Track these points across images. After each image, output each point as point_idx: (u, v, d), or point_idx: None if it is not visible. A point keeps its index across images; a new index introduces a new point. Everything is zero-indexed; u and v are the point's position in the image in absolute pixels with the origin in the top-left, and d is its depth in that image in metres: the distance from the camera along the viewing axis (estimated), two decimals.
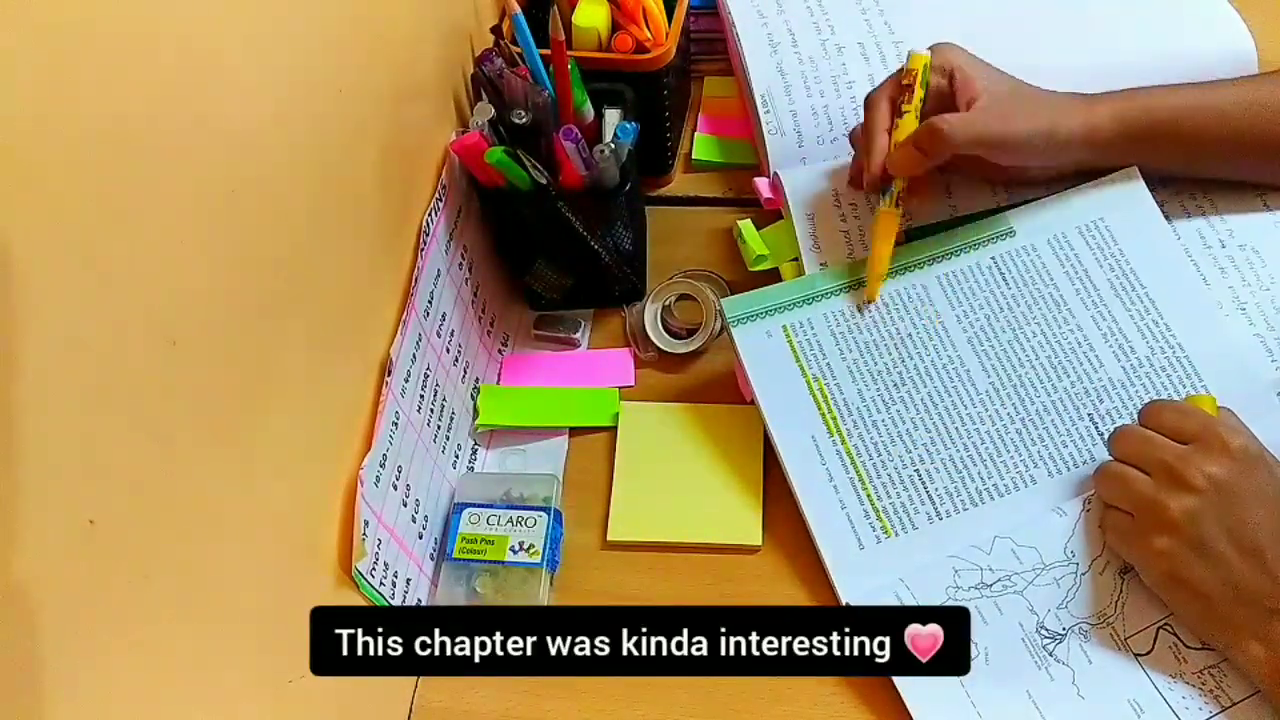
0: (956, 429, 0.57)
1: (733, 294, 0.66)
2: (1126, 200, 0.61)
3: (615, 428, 0.62)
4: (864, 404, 0.58)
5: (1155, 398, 0.56)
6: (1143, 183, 0.61)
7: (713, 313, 0.65)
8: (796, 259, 0.64)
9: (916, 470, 0.56)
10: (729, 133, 0.76)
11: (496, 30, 0.65)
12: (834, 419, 0.58)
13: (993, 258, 0.61)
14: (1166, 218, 0.61)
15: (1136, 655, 0.49)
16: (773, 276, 0.65)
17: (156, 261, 0.34)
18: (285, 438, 0.43)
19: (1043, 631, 0.50)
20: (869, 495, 0.56)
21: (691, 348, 0.65)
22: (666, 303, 0.67)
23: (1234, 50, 0.69)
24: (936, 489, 0.55)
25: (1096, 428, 0.56)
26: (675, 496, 0.59)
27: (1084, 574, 0.51)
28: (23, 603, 0.28)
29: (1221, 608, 0.46)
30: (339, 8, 0.47)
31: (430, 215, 0.57)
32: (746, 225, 0.66)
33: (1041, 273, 0.60)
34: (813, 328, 0.60)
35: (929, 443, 0.57)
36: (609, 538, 0.58)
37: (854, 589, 0.53)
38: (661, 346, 0.65)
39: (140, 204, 0.33)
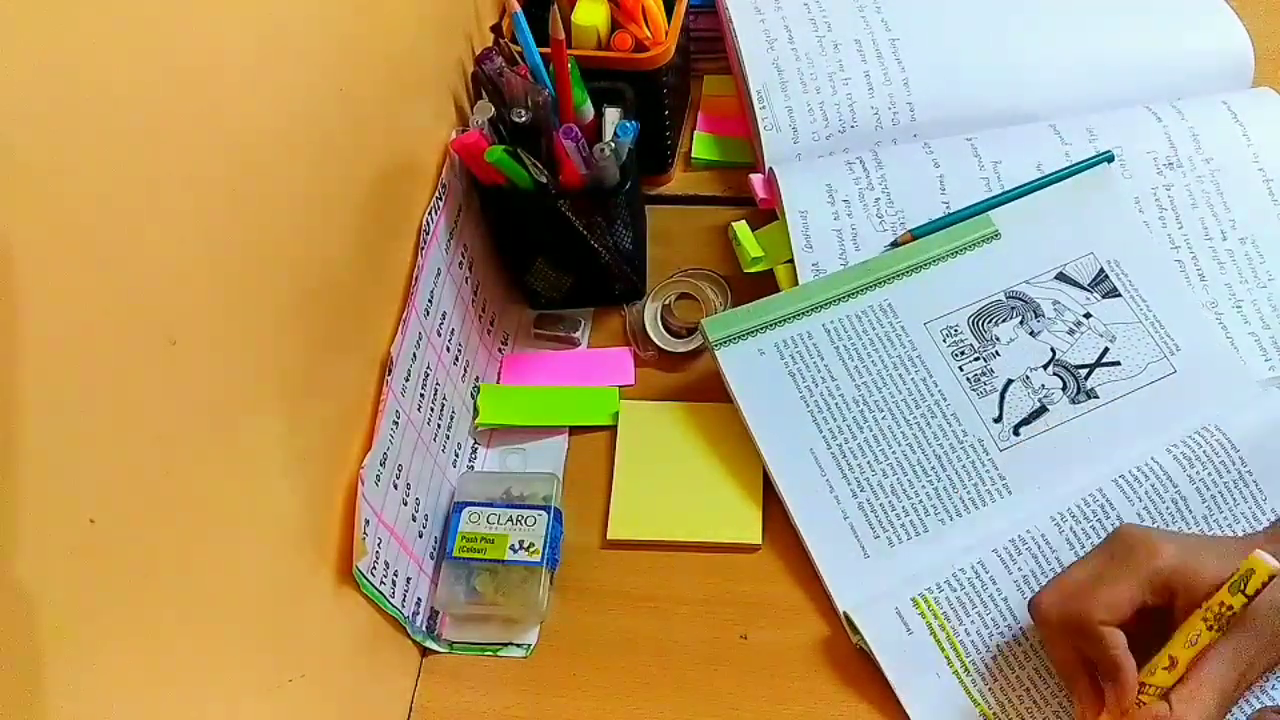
0: (960, 431, 0.57)
1: (732, 292, 0.66)
2: (1108, 198, 0.62)
3: (615, 427, 0.62)
4: (866, 411, 0.58)
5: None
6: (1121, 178, 0.62)
7: (713, 312, 0.65)
8: (791, 260, 0.64)
9: (918, 472, 0.56)
10: (728, 131, 0.76)
11: (496, 29, 0.65)
12: (832, 430, 0.58)
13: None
14: (1171, 203, 0.62)
15: None
16: (769, 277, 0.65)
17: (156, 261, 0.34)
18: (285, 437, 0.43)
19: None
20: (872, 504, 0.56)
21: (691, 347, 0.65)
22: (666, 302, 0.67)
23: (1231, 49, 0.70)
24: (942, 490, 0.56)
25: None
26: (675, 495, 0.59)
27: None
28: (23, 603, 0.28)
29: None
30: (339, 7, 0.47)
31: (430, 214, 0.57)
32: (742, 227, 0.66)
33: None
34: (811, 339, 0.60)
35: (934, 447, 0.57)
36: (609, 536, 0.58)
37: (853, 597, 0.53)
38: (661, 345, 0.65)
39: (140, 204, 0.33)
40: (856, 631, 0.52)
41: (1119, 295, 0.60)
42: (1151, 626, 0.45)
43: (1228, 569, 0.44)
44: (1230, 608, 0.42)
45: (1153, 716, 0.43)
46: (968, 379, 0.58)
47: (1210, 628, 0.43)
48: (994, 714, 0.49)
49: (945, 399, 0.58)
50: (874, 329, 0.60)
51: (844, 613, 0.53)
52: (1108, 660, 0.44)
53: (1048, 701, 0.49)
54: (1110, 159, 0.63)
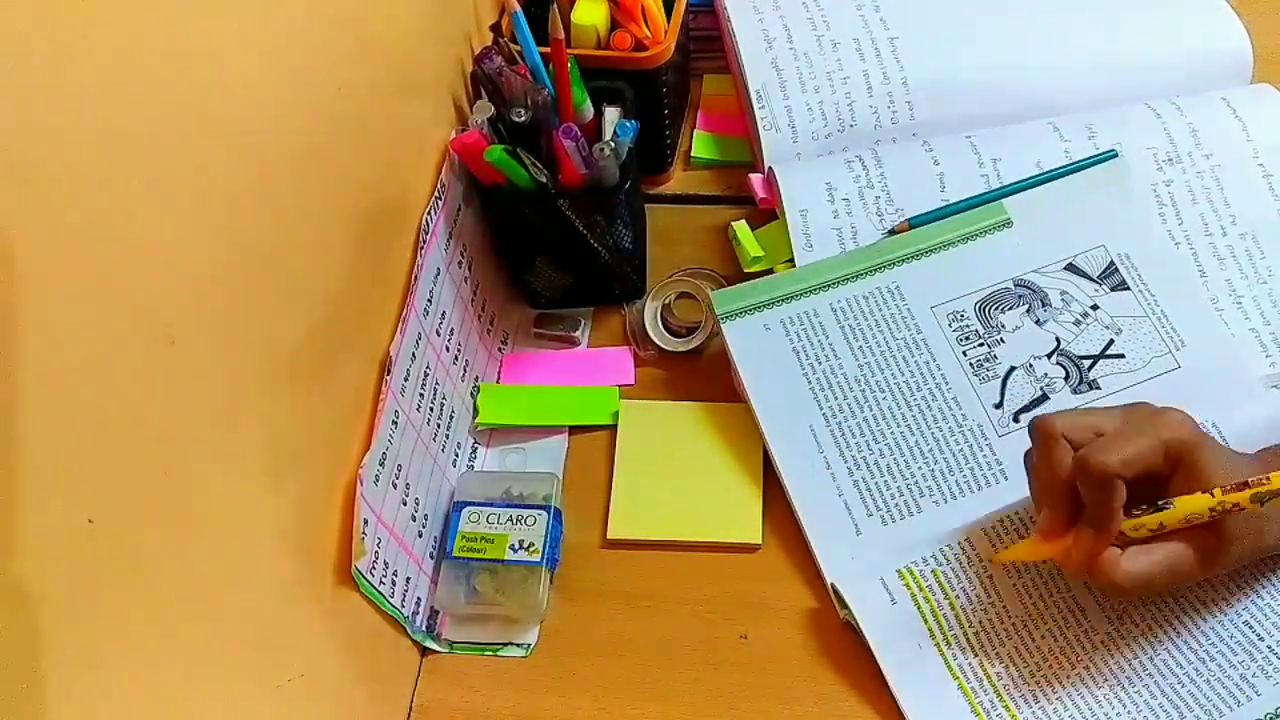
0: (960, 415, 0.57)
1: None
2: (1121, 191, 0.62)
3: (615, 426, 0.62)
4: (868, 391, 0.58)
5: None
6: (1134, 171, 0.62)
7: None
8: (791, 260, 0.64)
9: (915, 454, 0.56)
10: (728, 130, 0.76)
11: (496, 28, 0.65)
12: (833, 408, 0.58)
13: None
14: (1171, 199, 0.62)
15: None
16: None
17: (156, 261, 0.34)
18: (285, 437, 0.43)
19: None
20: (868, 483, 0.56)
21: (691, 346, 0.65)
22: (666, 301, 0.67)
23: (1230, 49, 0.70)
24: (938, 472, 0.56)
25: None
26: (675, 495, 0.59)
27: None
28: (23, 603, 0.28)
29: None
30: (338, 6, 0.47)
31: (430, 213, 0.57)
32: (741, 226, 0.66)
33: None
34: (817, 316, 0.60)
35: (933, 430, 0.57)
36: (609, 536, 0.58)
37: (842, 571, 0.54)
38: (661, 345, 0.65)
39: (140, 204, 0.33)
40: (844, 605, 0.52)
41: (1127, 288, 0.60)
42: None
43: (1231, 467, 0.46)
44: (1242, 509, 0.44)
45: (1107, 560, 0.46)
46: (971, 364, 0.58)
47: (1213, 518, 0.45)
48: (971, 689, 0.49)
49: (947, 383, 0.58)
50: (880, 310, 0.60)
51: (831, 584, 0.53)
52: (1106, 511, 0.46)
53: (1025, 680, 0.49)
54: (1112, 157, 0.63)
